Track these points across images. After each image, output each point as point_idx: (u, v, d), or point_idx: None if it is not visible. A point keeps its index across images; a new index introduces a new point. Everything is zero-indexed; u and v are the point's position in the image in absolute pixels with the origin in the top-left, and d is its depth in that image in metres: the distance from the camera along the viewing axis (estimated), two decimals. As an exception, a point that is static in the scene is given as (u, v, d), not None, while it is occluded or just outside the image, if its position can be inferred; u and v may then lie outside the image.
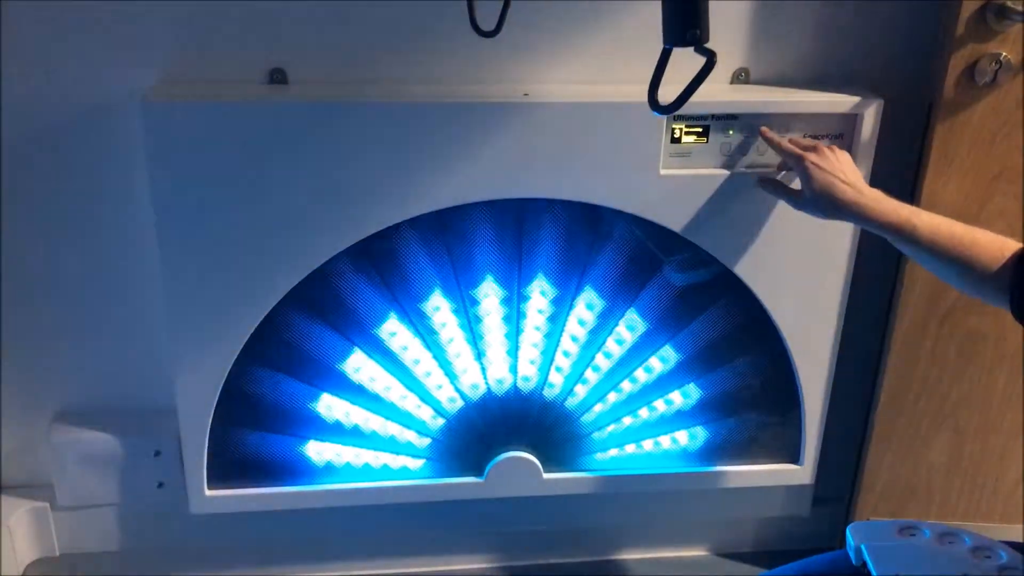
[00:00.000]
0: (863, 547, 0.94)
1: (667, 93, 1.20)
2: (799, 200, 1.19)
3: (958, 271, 1.03)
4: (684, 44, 0.76)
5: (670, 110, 0.76)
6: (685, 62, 0.79)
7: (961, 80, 1.25)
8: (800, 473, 1.48)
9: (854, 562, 0.96)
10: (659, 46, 0.81)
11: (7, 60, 1.20)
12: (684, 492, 1.53)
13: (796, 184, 1.20)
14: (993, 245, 1.02)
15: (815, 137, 1.26)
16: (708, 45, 0.76)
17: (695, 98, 1.21)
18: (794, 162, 1.18)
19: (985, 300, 1.04)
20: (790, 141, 1.22)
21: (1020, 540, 0.99)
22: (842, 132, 1.27)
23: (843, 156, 1.17)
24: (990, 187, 1.31)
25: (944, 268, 1.05)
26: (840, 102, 1.25)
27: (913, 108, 1.32)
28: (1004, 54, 1.23)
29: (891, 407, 1.45)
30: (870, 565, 0.92)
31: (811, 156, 1.15)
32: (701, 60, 0.77)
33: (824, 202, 1.13)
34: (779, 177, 1.26)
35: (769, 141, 1.23)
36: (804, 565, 1.07)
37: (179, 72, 1.23)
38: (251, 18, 1.21)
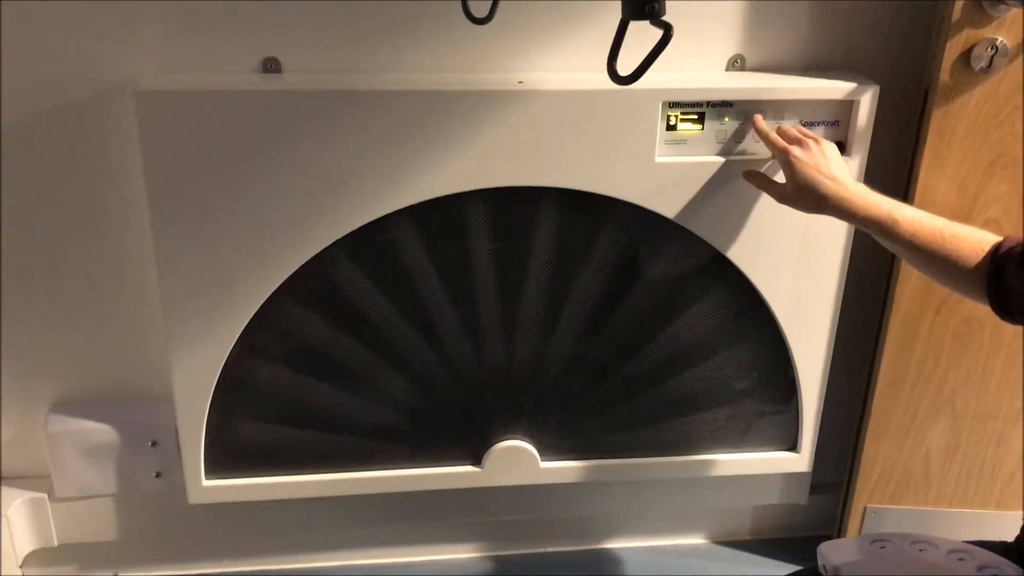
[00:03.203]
0: (840, 565, 0.92)
1: (664, 79, 1.21)
2: (782, 193, 1.18)
3: (938, 266, 1.03)
4: (641, 17, 0.76)
5: (628, 81, 0.76)
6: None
7: (957, 66, 1.25)
8: (797, 461, 1.49)
9: None
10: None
11: (2, 48, 1.19)
12: (681, 480, 1.53)
13: (781, 176, 1.20)
14: (971, 239, 1.01)
15: (810, 124, 1.26)
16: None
17: (690, 85, 1.23)
18: (779, 154, 1.17)
19: (966, 296, 1.03)
20: (779, 131, 1.21)
21: (1012, 530, 0.99)
22: (838, 119, 1.27)
23: (830, 149, 1.16)
24: (986, 173, 1.31)
25: (925, 263, 1.05)
26: (836, 88, 1.25)
27: (909, 94, 1.32)
28: (1000, 39, 1.23)
29: (888, 394, 1.45)
30: None
31: (795, 149, 1.15)
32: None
33: (806, 196, 1.13)
34: (764, 168, 1.26)
35: (759, 131, 1.23)
36: None
37: (173, 61, 1.22)
38: (245, 7, 1.20)
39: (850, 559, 0.93)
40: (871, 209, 1.07)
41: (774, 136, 1.20)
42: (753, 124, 1.23)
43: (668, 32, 0.73)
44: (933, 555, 0.92)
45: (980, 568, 0.89)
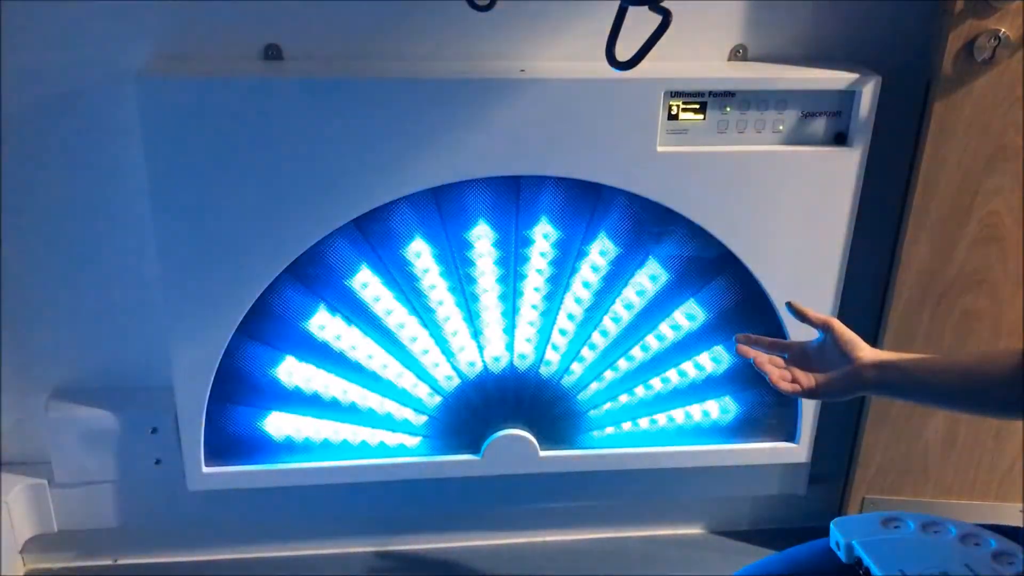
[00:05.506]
0: (855, 543, 0.92)
1: (666, 69, 1.21)
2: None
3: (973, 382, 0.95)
4: (639, 3, 0.76)
5: (627, 66, 0.77)
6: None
7: (960, 57, 1.24)
8: (796, 451, 1.49)
9: (844, 559, 0.94)
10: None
11: (4, 36, 1.19)
12: (680, 470, 1.53)
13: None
14: (994, 351, 0.94)
15: (811, 115, 1.26)
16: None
17: (692, 75, 1.22)
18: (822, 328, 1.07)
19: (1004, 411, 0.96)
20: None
21: (1011, 521, 0.99)
22: (839, 109, 1.27)
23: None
24: (988, 165, 1.30)
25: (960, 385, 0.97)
26: (838, 79, 1.25)
27: (911, 85, 1.32)
28: (1003, 31, 1.22)
29: (887, 385, 1.45)
30: (868, 563, 0.90)
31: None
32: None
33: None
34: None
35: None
36: (788, 559, 1.07)
37: (175, 48, 1.22)
38: (246, -7, 1.20)
39: (862, 537, 0.92)
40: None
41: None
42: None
43: (667, 17, 0.73)
44: (946, 538, 0.92)
45: (995, 555, 0.89)
